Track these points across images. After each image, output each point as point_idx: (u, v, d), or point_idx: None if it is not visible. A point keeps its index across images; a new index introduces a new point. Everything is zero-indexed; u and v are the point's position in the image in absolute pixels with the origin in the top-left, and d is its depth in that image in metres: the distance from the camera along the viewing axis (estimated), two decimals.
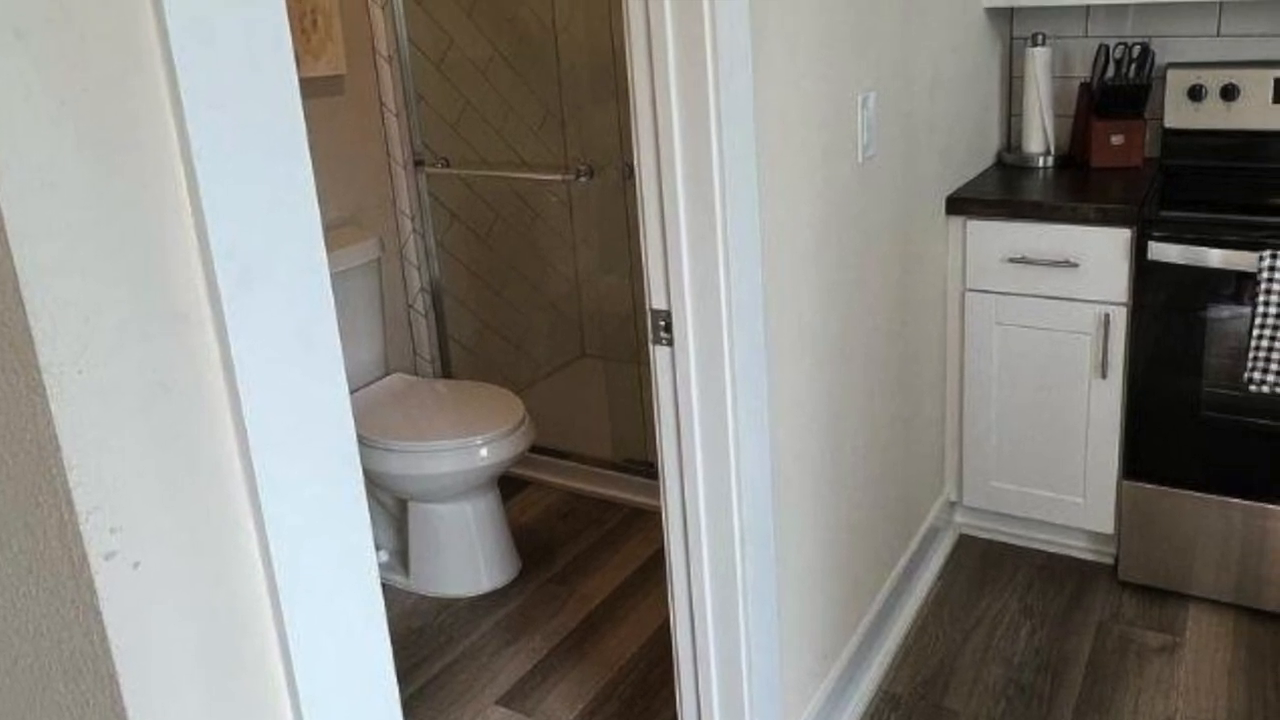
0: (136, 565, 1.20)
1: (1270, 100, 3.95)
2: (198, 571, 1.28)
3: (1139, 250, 3.57)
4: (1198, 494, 3.71)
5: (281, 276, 1.29)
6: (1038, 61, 4.22)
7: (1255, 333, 3.34)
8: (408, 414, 4.11)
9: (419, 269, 4.82)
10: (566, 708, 3.58)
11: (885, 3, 3.15)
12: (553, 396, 5.68)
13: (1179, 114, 4.11)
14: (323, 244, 1.35)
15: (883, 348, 3.42)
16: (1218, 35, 4.14)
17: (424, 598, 4.18)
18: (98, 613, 1.18)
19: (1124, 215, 3.61)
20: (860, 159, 3.06)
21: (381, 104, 4.57)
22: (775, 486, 2.77)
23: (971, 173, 4.19)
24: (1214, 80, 4.02)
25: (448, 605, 4.14)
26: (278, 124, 1.27)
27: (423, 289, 4.86)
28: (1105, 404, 3.82)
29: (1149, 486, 3.78)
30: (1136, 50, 4.10)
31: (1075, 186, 3.96)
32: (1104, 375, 3.78)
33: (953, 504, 4.32)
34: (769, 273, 2.61)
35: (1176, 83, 4.09)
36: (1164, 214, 3.55)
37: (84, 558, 1.16)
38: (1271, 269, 3.29)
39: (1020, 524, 4.24)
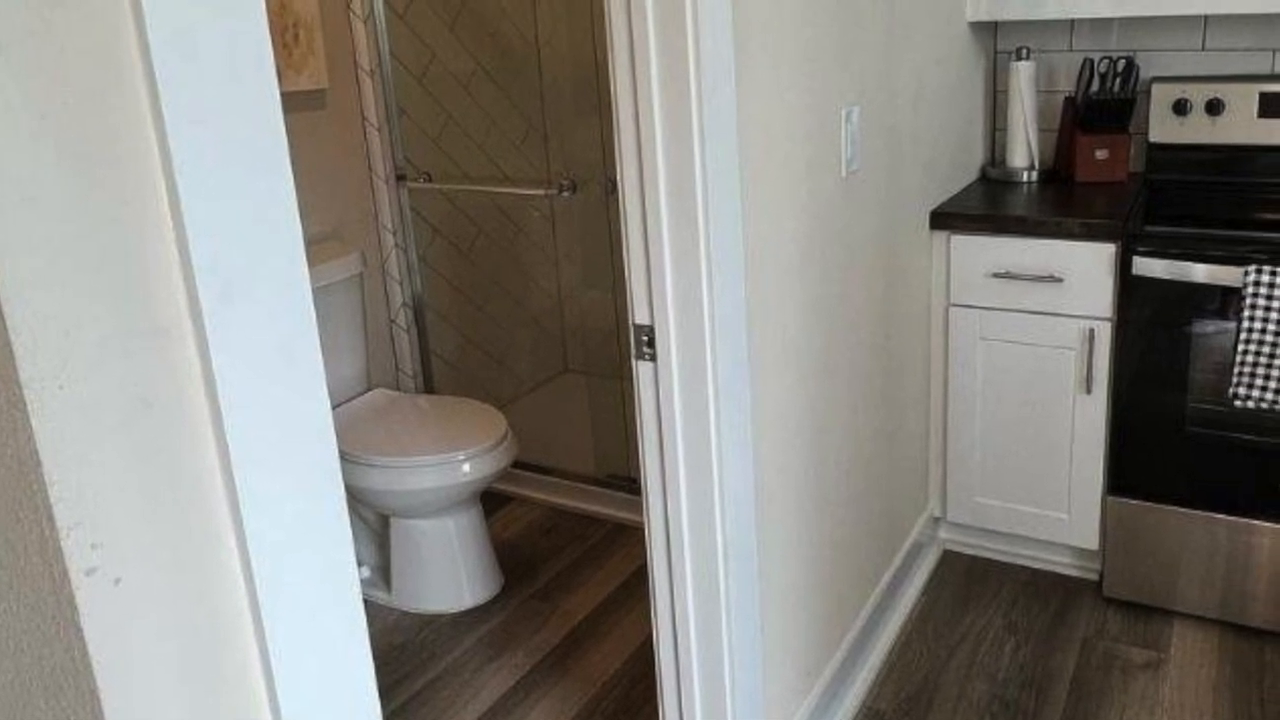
0: (118, 581, 1.20)
1: (1256, 114, 3.96)
2: (179, 587, 1.27)
3: (1124, 265, 3.58)
4: (1183, 510, 3.71)
5: (263, 291, 1.28)
6: (1022, 75, 4.23)
7: (1240, 348, 3.35)
8: (390, 429, 4.11)
9: (401, 284, 4.82)
10: None
11: (869, 16, 3.15)
12: (535, 412, 5.67)
13: (1164, 128, 4.12)
14: (304, 259, 1.34)
15: (866, 362, 3.42)
16: (1203, 49, 4.15)
17: (406, 614, 4.17)
18: (79, 629, 1.17)
19: (1109, 230, 3.61)
20: (844, 173, 3.06)
21: (363, 118, 4.56)
22: (758, 502, 2.77)
23: (955, 187, 4.20)
24: (1199, 94, 4.03)
25: (430, 621, 4.13)
26: (259, 138, 1.26)
27: (405, 304, 4.85)
28: (1090, 419, 3.82)
29: (1134, 502, 3.78)
30: (1121, 64, 4.11)
31: (1060, 201, 3.96)
32: (1088, 390, 3.78)
33: (937, 519, 4.31)
34: (752, 287, 2.60)
35: (1161, 97, 4.10)
36: (1149, 229, 3.55)
37: (65, 573, 1.15)
38: (1256, 284, 3.29)
39: (1004, 540, 4.24)
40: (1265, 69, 4.08)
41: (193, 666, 1.31)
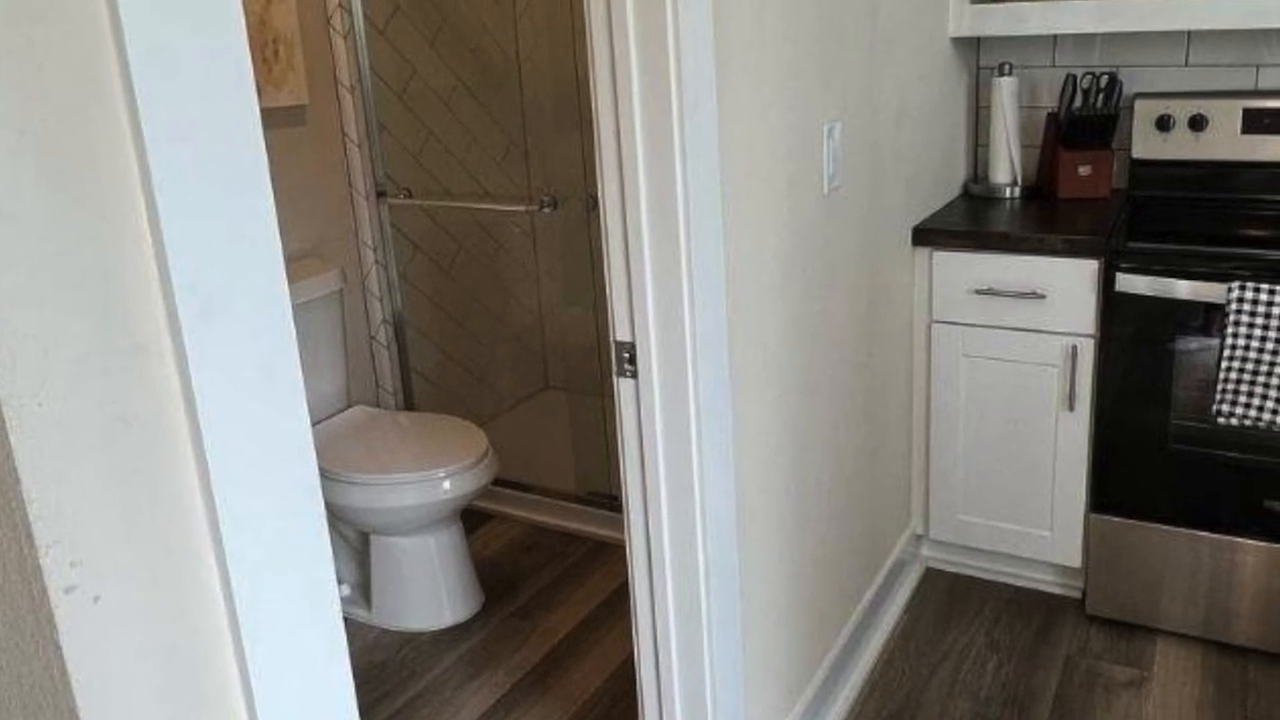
0: (97, 599, 1.19)
1: (1239, 131, 3.96)
2: (158, 605, 1.27)
3: (1107, 282, 3.58)
4: (1166, 527, 3.71)
5: (243, 309, 1.28)
6: (1004, 91, 4.23)
7: (1224, 365, 3.35)
8: (370, 447, 4.10)
9: (381, 300, 4.81)
10: None
11: (851, 32, 3.15)
12: (516, 429, 5.66)
13: (1147, 144, 4.13)
14: (284, 276, 1.34)
15: (849, 380, 3.42)
16: (1186, 65, 4.16)
17: (386, 632, 4.16)
18: (58, 647, 1.17)
19: (1091, 246, 3.61)
20: (826, 190, 3.06)
21: (344, 134, 4.56)
22: (740, 520, 2.76)
23: (938, 203, 4.20)
24: (1182, 110, 4.04)
25: (410, 639, 4.11)
26: (239, 155, 1.26)
27: (385, 320, 4.84)
28: (1073, 437, 3.82)
29: (1117, 520, 3.78)
30: (1104, 80, 4.12)
31: (1042, 217, 3.97)
32: (1071, 408, 3.78)
33: (919, 537, 4.31)
34: (734, 304, 2.60)
35: (1144, 113, 4.11)
36: (1132, 245, 3.55)
37: (44, 592, 1.15)
38: (1240, 300, 3.30)
39: (987, 557, 4.24)
40: (1249, 85, 4.09)
41: (172, 685, 1.30)
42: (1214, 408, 3.40)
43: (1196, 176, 4.09)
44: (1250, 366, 3.31)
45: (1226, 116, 3.98)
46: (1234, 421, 3.38)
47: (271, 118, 4.17)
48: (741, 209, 2.60)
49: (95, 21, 1.12)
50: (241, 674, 1.37)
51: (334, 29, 4.43)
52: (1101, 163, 4.16)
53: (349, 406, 4.49)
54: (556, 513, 4.89)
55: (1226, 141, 4.00)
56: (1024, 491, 3.97)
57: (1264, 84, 4.07)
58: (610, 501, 4.70)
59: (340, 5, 4.41)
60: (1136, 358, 3.59)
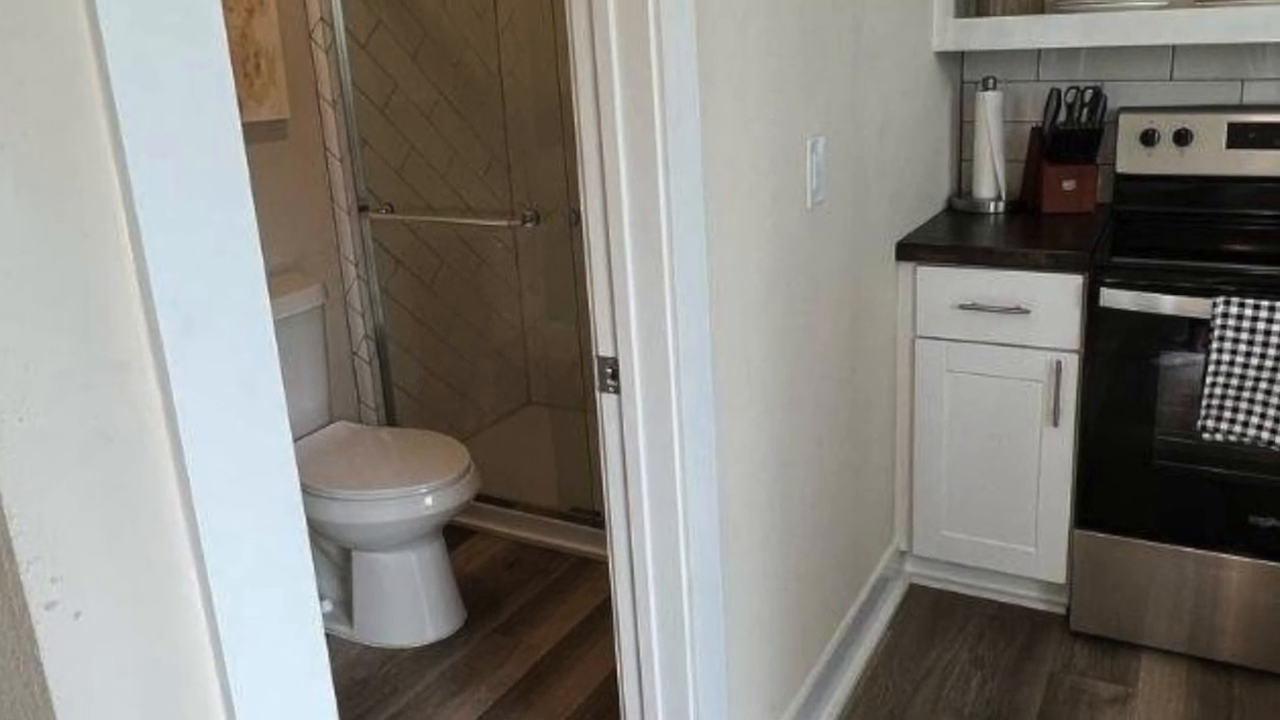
0: (78, 615, 1.19)
1: (1224, 145, 3.97)
2: (140, 622, 1.26)
3: (1091, 297, 3.58)
4: (1150, 543, 3.71)
5: (224, 324, 1.28)
6: (989, 106, 4.24)
7: (1209, 380, 3.35)
8: (352, 462, 4.09)
9: (363, 315, 4.80)
10: None
11: (835, 47, 3.15)
12: (498, 444, 5.66)
13: (1131, 159, 4.13)
14: (266, 291, 1.33)
15: (832, 395, 3.42)
16: (1170, 79, 4.17)
17: (368, 648, 4.15)
18: (38, 663, 1.16)
19: (1076, 261, 3.61)
20: (809, 204, 3.06)
21: (325, 149, 4.55)
22: (723, 535, 2.76)
23: (922, 218, 4.20)
24: (1167, 125, 4.04)
25: (392, 656, 4.10)
26: (221, 170, 1.25)
27: (367, 336, 4.83)
28: (1057, 452, 3.82)
29: (1101, 535, 3.78)
30: (1089, 94, 4.12)
31: (1027, 232, 3.97)
32: (1055, 423, 3.78)
33: (903, 553, 4.31)
34: (717, 319, 2.60)
35: (1129, 127, 4.11)
36: (1116, 260, 3.55)
37: (24, 607, 1.14)
38: (1225, 316, 3.30)
39: (971, 573, 4.24)
40: (1233, 99, 4.09)
41: (153, 701, 1.30)
42: (1199, 423, 3.40)
43: (1181, 191, 4.09)
44: (1235, 382, 3.31)
45: (1211, 131, 3.98)
46: (1219, 437, 3.38)
47: (253, 132, 4.16)
48: (725, 223, 2.59)
49: (76, 36, 1.12)
50: (223, 690, 1.37)
51: (315, 43, 4.43)
52: (1086, 177, 4.17)
53: (331, 422, 4.48)
54: (539, 529, 4.88)
55: (1211, 156, 4.00)
56: (1008, 507, 3.97)
57: (1249, 98, 4.08)
58: (593, 517, 4.69)
59: (322, 19, 4.40)
60: (1121, 373, 3.59)
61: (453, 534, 4.96)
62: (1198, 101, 4.15)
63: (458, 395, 5.47)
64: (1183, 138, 4.01)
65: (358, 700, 3.86)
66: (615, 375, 2.50)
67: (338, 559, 4.28)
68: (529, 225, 4.53)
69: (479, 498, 4.89)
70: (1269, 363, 3.27)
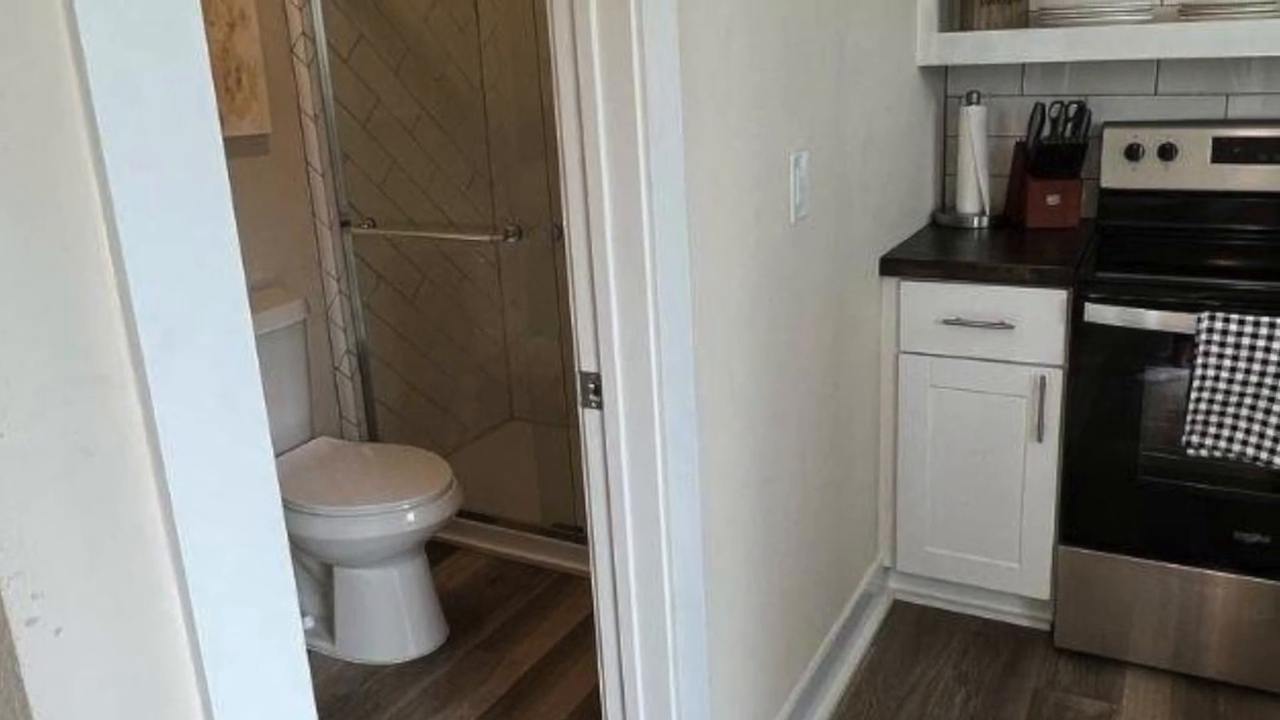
0: (59, 631, 1.19)
1: (1209, 160, 3.97)
2: (121, 637, 1.26)
3: (1075, 312, 3.58)
4: (1135, 559, 3.71)
5: (205, 339, 1.27)
6: (972, 120, 4.24)
7: (1193, 395, 3.35)
8: (333, 478, 4.08)
9: (345, 331, 4.79)
10: None
11: (818, 62, 3.16)
12: (481, 460, 5.65)
13: (1116, 174, 4.13)
14: (247, 306, 1.33)
15: (815, 411, 3.42)
16: (1155, 94, 4.17)
17: (350, 664, 4.14)
18: (19, 679, 1.16)
19: (1060, 276, 3.61)
20: (793, 219, 3.06)
21: (307, 163, 4.54)
22: (706, 552, 2.75)
23: (905, 233, 4.20)
24: (1151, 139, 4.05)
25: (374, 672, 4.09)
26: (202, 184, 1.25)
27: (348, 351, 4.83)
28: (1041, 468, 3.82)
29: (1085, 551, 3.78)
30: (1073, 109, 4.13)
31: (1011, 247, 3.97)
32: (1040, 439, 3.78)
33: (886, 569, 4.31)
34: (700, 335, 2.60)
35: (1113, 142, 4.12)
36: (1100, 275, 3.55)
37: (5, 623, 1.14)
38: (1209, 331, 3.30)
39: (955, 589, 4.23)
40: (1218, 114, 4.10)
41: (135, 717, 1.29)
42: (1183, 439, 3.40)
43: (1166, 206, 4.10)
44: (1220, 397, 3.32)
45: (1196, 146, 3.99)
46: (1204, 453, 3.38)
47: (234, 146, 4.15)
48: (708, 239, 2.59)
49: (57, 50, 1.12)
50: (204, 706, 1.36)
51: (297, 57, 4.42)
52: (1070, 192, 4.17)
53: (312, 437, 4.47)
54: (521, 544, 4.87)
55: (1196, 171, 4.01)
56: (992, 523, 3.97)
57: (1234, 113, 4.09)
58: (575, 533, 4.68)
59: (304, 33, 4.40)
60: (1105, 388, 3.59)
61: (435, 550, 4.95)
62: (1182, 116, 4.16)
63: (440, 411, 5.46)
64: (1167, 152, 4.01)
65: (339, 717, 3.85)
66: (598, 390, 2.50)
67: (319, 575, 4.27)
68: (511, 240, 4.53)
69: (461, 513, 4.89)
70: (1254, 378, 3.27)
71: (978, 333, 3.79)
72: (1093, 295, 3.53)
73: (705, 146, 2.54)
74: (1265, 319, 3.24)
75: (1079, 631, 3.88)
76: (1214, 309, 3.33)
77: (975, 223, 4.34)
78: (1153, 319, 3.45)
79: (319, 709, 3.34)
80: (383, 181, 4.90)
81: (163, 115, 1.20)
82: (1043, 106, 4.15)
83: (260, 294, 4.24)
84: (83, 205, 1.15)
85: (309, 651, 4.03)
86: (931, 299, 3.83)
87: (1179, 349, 3.46)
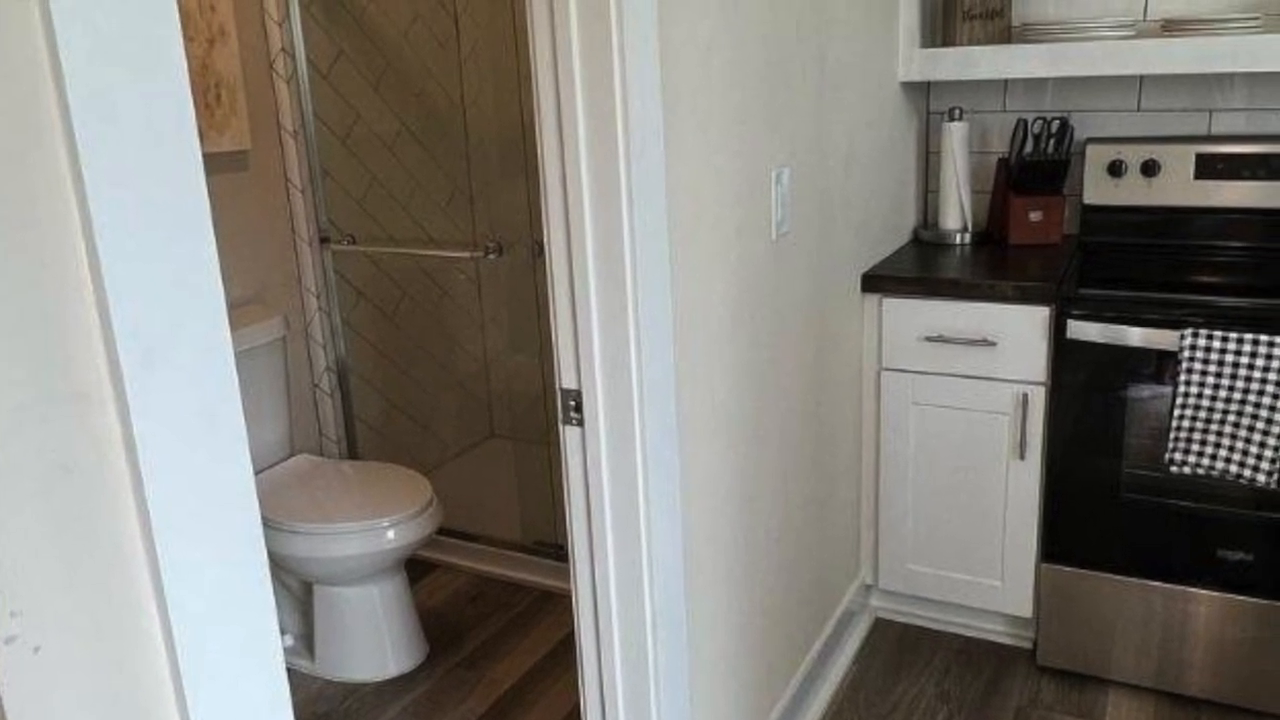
0: (37, 650, 1.18)
1: (1192, 176, 3.98)
2: (100, 655, 1.26)
3: (1058, 329, 3.58)
4: (1118, 577, 3.71)
5: (185, 356, 1.27)
6: (955, 136, 4.24)
7: (1176, 413, 3.35)
8: (313, 496, 4.07)
9: (324, 348, 4.78)
10: None
11: (799, 77, 3.16)
12: (461, 478, 5.64)
13: (1099, 190, 4.14)
14: (227, 323, 1.33)
15: (797, 428, 3.41)
16: (1138, 110, 4.18)
17: (330, 682, 4.12)
18: None
19: (1042, 293, 3.61)
20: (774, 236, 3.06)
21: (286, 180, 4.54)
22: (687, 570, 2.75)
23: (887, 250, 4.20)
24: (1134, 156, 4.05)
25: (354, 690, 4.08)
26: (181, 201, 1.25)
27: (328, 368, 4.82)
28: (1023, 485, 3.82)
29: (1068, 569, 3.78)
30: (1055, 125, 4.13)
31: (993, 264, 3.97)
32: (1022, 456, 3.78)
33: (868, 587, 4.30)
34: (681, 352, 2.59)
35: (1096, 158, 4.12)
36: (1083, 292, 3.56)
37: None
38: (1193, 348, 3.30)
39: (937, 607, 4.23)
40: (1201, 130, 4.11)
41: None
42: (1166, 456, 3.40)
43: (1149, 222, 4.10)
44: (1203, 415, 3.32)
45: (1179, 162, 3.99)
46: (1187, 470, 3.38)
47: (214, 163, 4.15)
48: (689, 255, 2.59)
49: (35, 66, 1.11)
50: None
51: (277, 73, 4.42)
52: (1053, 208, 4.18)
53: (292, 455, 4.46)
54: (502, 562, 4.86)
55: (1179, 187, 4.01)
56: (974, 541, 3.97)
57: (1217, 129, 4.09)
58: (556, 551, 4.67)
59: (283, 49, 4.40)
60: (1088, 406, 3.59)
61: (415, 568, 4.93)
62: (1165, 132, 4.16)
63: (420, 428, 5.45)
64: (1150, 169, 4.02)
65: None
66: (579, 408, 2.49)
67: (299, 593, 4.26)
68: (492, 257, 4.53)
69: (441, 531, 4.88)
70: (1237, 395, 3.27)
71: (960, 350, 3.79)
72: (1075, 312, 3.53)
73: (686, 163, 2.54)
74: (1249, 336, 3.25)
75: (1062, 649, 3.88)
76: (1197, 326, 3.34)
77: (957, 239, 4.35)
78: (1135, 336, 3.45)
79: None
80: (363, 198, 4.90)
81: (142, 131, 1.20)
82: (1025, 122, 4.16)
83: (240, 311, 4.23)
84: (61, 222, 1.15)
85: (288, 670, 4.01)
86: (913, 316, 3.83)
87: (1162, 366, 3.46)
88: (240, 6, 4.22)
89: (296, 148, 4.51)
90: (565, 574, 4.45)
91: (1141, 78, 4.16)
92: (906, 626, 4.28)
